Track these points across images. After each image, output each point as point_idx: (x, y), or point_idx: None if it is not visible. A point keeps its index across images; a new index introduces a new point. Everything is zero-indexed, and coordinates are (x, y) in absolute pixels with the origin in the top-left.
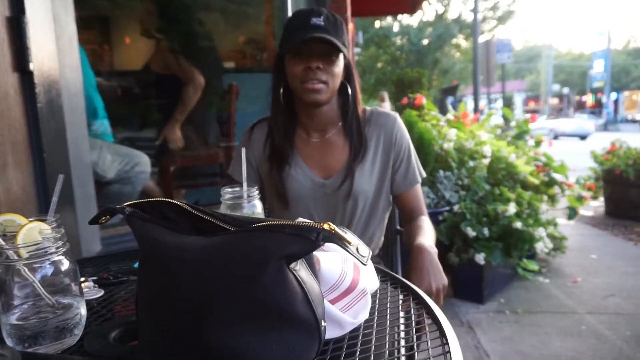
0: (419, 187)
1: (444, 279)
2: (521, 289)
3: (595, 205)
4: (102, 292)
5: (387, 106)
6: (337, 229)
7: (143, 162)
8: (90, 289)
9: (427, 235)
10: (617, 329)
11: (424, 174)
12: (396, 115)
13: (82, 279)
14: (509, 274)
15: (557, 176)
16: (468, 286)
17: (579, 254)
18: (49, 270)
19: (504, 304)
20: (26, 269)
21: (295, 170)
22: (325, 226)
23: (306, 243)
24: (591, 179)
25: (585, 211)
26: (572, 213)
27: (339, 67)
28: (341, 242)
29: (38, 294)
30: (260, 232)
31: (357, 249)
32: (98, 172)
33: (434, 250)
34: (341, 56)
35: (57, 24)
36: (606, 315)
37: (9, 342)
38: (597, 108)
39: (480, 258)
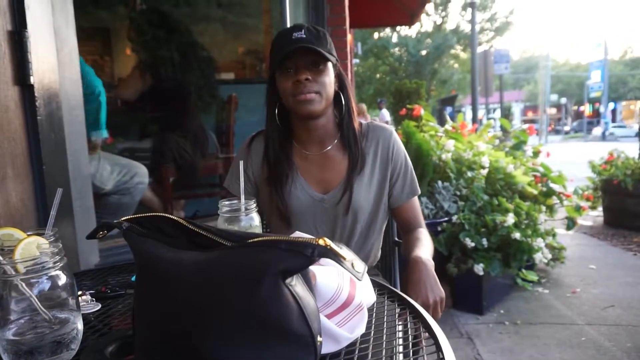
0: (416, 199)
1: (441, 292)
2: (520, 300)
3: (594, 215)
4: (99, 306)
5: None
6: (332, 245)
7: (141, 172)
8: (88, 302)
9: (424, 248)
10: (617, 340)
11: (419, 191)
12: (392, 128)
13: (80, 293)
14: (508, 284)
15: (555, 186)
16: (467, 297)
17: (578, 264)
18: (46, 285)
19: (504, 315)
20: (23, 284)
21: (295, 186)
22: (321, 242)
23: (301, 258)
24: (589, 189)
25: (584, 221)
26: (570, 223)
27: (329, 76)
28: (336, 257)
29: (35, 309)
30: (256, 248)
31: (352, 264)
32: (96, 183)
33: (430, 263)
34: (329, 65)
35: (57, 38)
36: (606, 327)
37: (5, 357)
38: (595, 118)
39: (479, 269)
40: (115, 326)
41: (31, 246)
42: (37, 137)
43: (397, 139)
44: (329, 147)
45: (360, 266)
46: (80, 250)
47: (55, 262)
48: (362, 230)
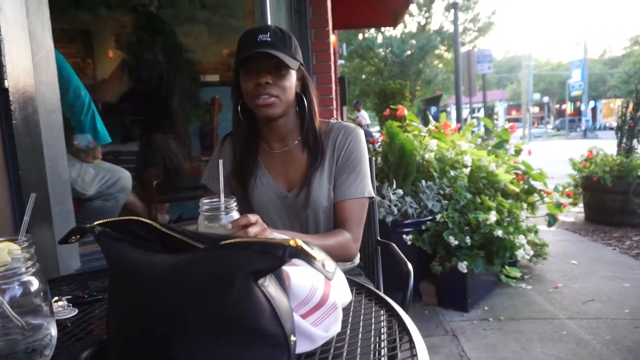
0: (351, 204)
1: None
2: (504, 296)
3: (575, 212)
4: (76, 312)
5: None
6: (303, 245)
7: (124, 176)
8: (64, 308)
9: (310, 237)
10: (597, 334)
11: (372, 194)
12: (356, 127)
13: (56, 298)
14: (492, 281)
15: (536, 184)
16: (452, 294)
17: (560, 259)
18: (18, 291)
19: (488, 311)
20: None
21: (261, 181)
22: (292, 242)
23: (273, 259)
24: (570, 186)
25: (566, 217)
26: (551, 220)
27: (290, 80)
28: (307, 258)
29: (7, 316)
30: (227, 250)
31: (323, 264)
32: (78, 189)
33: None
34: (292, 70)
35: (33, 40)
36: (586, 320)
37: None
38: (577, 116)
39: (463, 266)
40: (92, 331)
41: (2, 252)
42: (13, 142)
43: (358, 138)
44: (291, 145)
45: (332, 266)
46: (60, 256)
47: (27, 268)
48: (325, 226)
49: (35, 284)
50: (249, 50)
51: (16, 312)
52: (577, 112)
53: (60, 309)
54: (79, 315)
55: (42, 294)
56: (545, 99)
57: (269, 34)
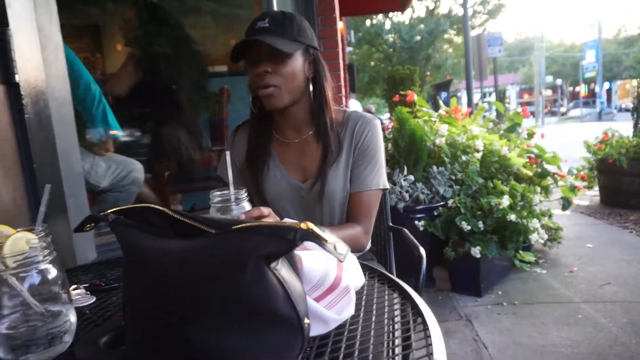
0: (368, 195)
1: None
2: (518, 281)
3: (590, 195)
4: (93, 299)
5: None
6: (314, 228)
7: (137, 168)
8: (82, 296)
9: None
10: (613, 317)
11: (387, 186)
12: (374, 118)
13: (74, 286)
14: (506, 266)
15: (550, 167)
16: (465, 280)
17: (575, 243)
18: (36, 279)
19: (502, 296)
20: (14, 279)
21: (274, 172)
22: (303, 225)
23: (284, 243)
24: (585, 169)
25: (580, 201)
26: (565, 203)
27: (292, 66)
28: (318, 240)
29: (27, 303)
30: (239, 234)
31: (334, 246)
32: (91, 181)
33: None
34: (295, 55)
35: (41, 35)
36: (602, 304)
37: (0, 351)
38: (591, 98)
39: (476, 251)
40: (110, 318)
41: (20, 241)
42: (26, 136)
43: (375, 129)
44: (306, 135)
45: (343, 248)
46: (76, 247)
47: (44, 256)
48: (338, 218)
49: (52, 272)
50: (244, 40)
51: (35, 300)
52: (592, 94)
53: (79, 296)
54: (97, 302)
55: (60, 281)
56: (559, 82)
57: (267, 20)
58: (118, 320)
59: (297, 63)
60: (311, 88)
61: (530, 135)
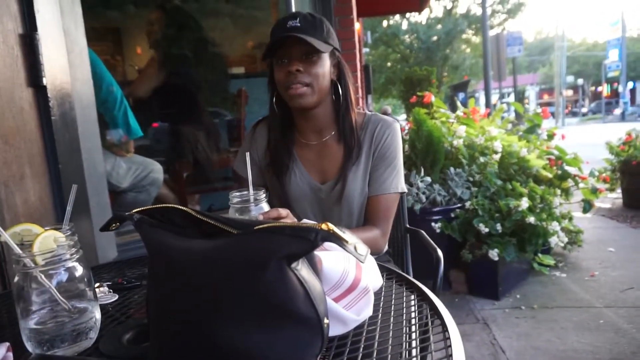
0: (386, 199)
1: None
2: (537, 284)
3: (612, 197)
4: (116, 297)
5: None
6: (335, 229)
7: (156, 169)
8: (105, 294)
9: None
10: (636, 322)
11: (405, 190)
12: (394, 121)
13: (97, 284)
14: (525, 269)
15: (571, 169)
16: (483, 283)
17: (597, 247)
18: (64, 276)
19: (520, 300)
20: (42, 276)
21: (295, 174)
22: (324, 226)
23: (305, 243)
24: (607, 171)
25: (602, 203)
26: (587, 206)
27: (323, 66)
28: (339, 241)
29: (55, 300)
30: (261, 234)
31: (355, 247)
32: (112, 181)
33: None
34: (324, 56)
35: (67, 39)
36: (625, 309)
37: (28, 345)
38: (614, 98)
39: (494, 254)
40: (132, 315)
41: (48, 240)
42: (52, 137)
43: (395, 132)
44: (327, 137)
45: (363, 249)
46: (98, 246)
47: (72, 254)
48: (358, 219)
49: (79, 270)
50: (278, 37)
51: (63, 297)
52: (614, 94)
53: (102, 294)
54: (119, 300)
55: (85, 279)
56: (580, 81)
57: (298, 19)
58: (140, 318)
59: (326, 64)
60: (334, 90)
61: (551, 137)
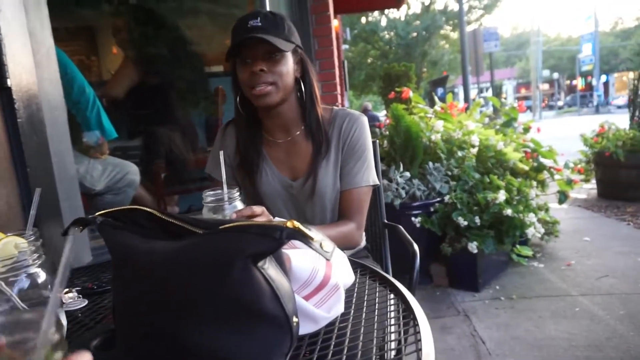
0: (358, 192)
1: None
2: (516, 275)
3: (588, 188)
4: (86, 302)
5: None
6: (300, 227)
7: (132, 171)
8: (74, 299)
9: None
10: (610, 309)
11: (377, 182)
12: (361, 115)
13: (66, 290)
14: (503, 260)
15: (546, 161)
16: (463, 275)
17: (573, 237)
18: (25, 283)
19: (499, 291)
20: (2, 283)
21: (266, 172)
22: (289, 224)
23: (271, 242)
24: (582, 162)
25: (578, 194)
26: (562, 197)
27: (286, 65)
28: (305, 239)
29: (16, 307)
30: (226, 234)
31: (320, 244)
32: (86, 184)
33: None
34: (287, 54)
35: (33, 39)
36: (600, 296)
37: None
38: (588, 91)
39: (473, 247)
40: (102, 321)
41: (9, 246)
42: (19, 140)
43: (363, 126)
44: (295, 134)
45: (330, 246)
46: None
47: (34, 260)
48: (330, 215)
49: (42, 276)
50: (238, 38)
51: (25, 304)
52: (589, 87)
53: (71, 300)
54: (89, 305)
55: (49, 285)
56: (555, 75)
57: (259, 18)
58: (109, 324)
59: (289, 62)
60: (299, 87)
61: (527, 130)
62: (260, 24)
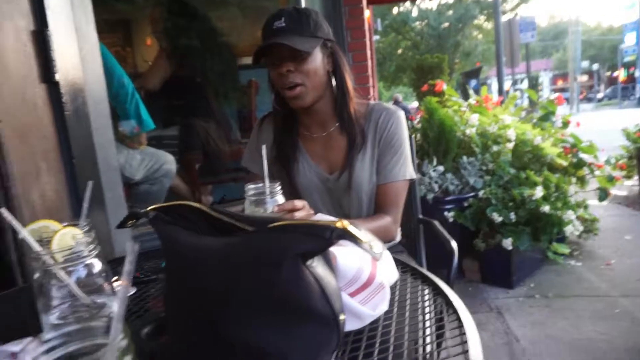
0: (395, 186)
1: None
2: (552, 273)
3: (629, 185)
4: (134, 290)
5: None
6: (349, 227)
7: (169, 161)
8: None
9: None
10: None
11: (414, 176)
12: (397, 109)
13: (115, 278)
14: (539, 258)
15: (586, 157)
16: (496, 271)
17: (613, 235)
18: (82, 272)
19: (534, 289)
20: (62, 273)
21: (303, 165)
22: (339, 224)
23: (320, 241)
24: (623, 158)
25: (618, 191)
26: (602, 194)
27: (313, 62)
28: (354, 239)
29: (74, 295)
30: (275, 232)
31: (370, 245)
32: (126, 174)
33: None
34: (314, 51)
35: (79, 34)
36: None
37: None
38: (630, 83)
39: (507, 243)
40: (150, 308)
41: (66, 237)
42: (66, 133)
43: (399, 120)
44: (332, 129)
45: (378, 247)
46: (114, 239)
47: (90, 251)
48: (367, 208)
49: (97, 266)
50: (265, 41)
51: (82, 292)
52: (631, 78)
53: (119, 287)
54: (137, 293)
55: (104, 274)
56: (595, 66)
57: (283, 19)
58: (158, 312)
59: (318, 59)
60: (333, 82)
61: (565, 124)
62: (284, 24)
